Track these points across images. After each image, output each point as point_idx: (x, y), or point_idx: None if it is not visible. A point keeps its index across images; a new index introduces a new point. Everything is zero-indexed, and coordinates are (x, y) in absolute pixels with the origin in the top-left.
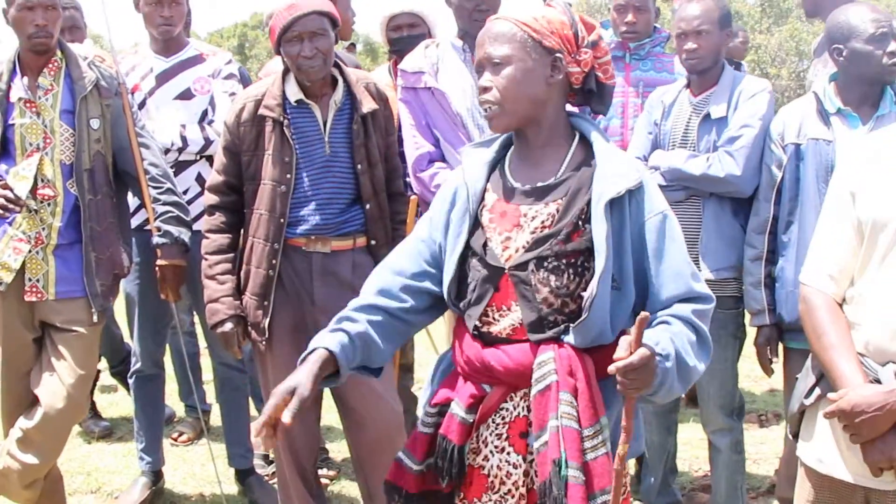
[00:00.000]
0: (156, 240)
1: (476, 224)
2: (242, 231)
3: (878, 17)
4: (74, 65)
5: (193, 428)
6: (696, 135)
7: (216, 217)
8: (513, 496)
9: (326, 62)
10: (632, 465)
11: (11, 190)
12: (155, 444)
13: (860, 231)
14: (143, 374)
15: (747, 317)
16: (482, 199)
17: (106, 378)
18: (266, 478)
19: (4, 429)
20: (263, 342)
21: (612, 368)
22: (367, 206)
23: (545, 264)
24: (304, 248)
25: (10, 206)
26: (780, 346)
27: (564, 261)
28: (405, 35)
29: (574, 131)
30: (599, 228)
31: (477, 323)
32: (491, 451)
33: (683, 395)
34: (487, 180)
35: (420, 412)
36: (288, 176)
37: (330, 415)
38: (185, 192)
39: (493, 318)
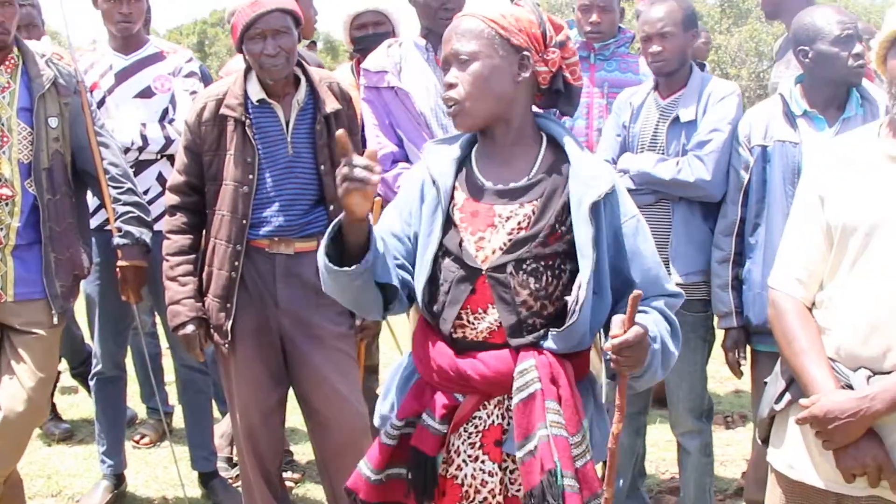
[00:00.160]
0: (116, 240)
1: (448, 223)
2: (204, 232)
3: (843, 18)
4: (32, 62)
5: (155, 430)
6: (665, 138)
7: (177, 218)
8: None
9: (289, 61)
10: (598, 468)
11: None
12: (117, 447)
13: (829, 235)
14: (104, 375)
15: (716, 319)
16: (452, 197)
17: (66, 379)
18: (230, 481)
19: None
20: (226, 345)
21: (608, 345)
22: (332, 208)
23: (524, 266)
24: (267, 250)
25: None
26: (748, 349)
27: (543, 263)
28: (370, 33)
29: (540, 132)
30: (584, 233)
31: (451, 328)
32: (464, 461)
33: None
34: (455, 178)
35: (377, 420)
36: (250, 176)
37: (294, 416)
38: (145, 192)
39: (468, 322)
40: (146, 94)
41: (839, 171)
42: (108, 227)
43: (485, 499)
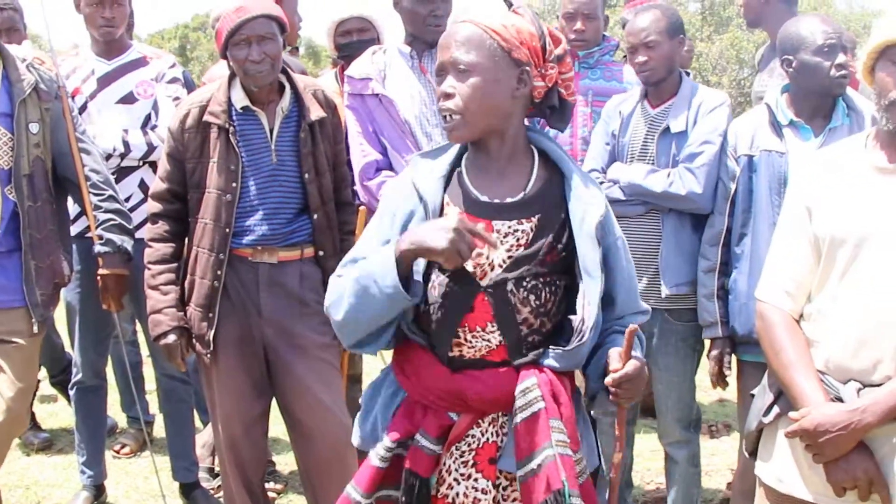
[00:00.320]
0: (97, 248)
1: None
2: (187, 240)
3: (827, 28)
4: (12, 67)
5: (136, 440)
6: (656, 149)
7: (160, 226)
8: None
9: (274, 67)
10: None
11: None
12: (97, 457)
13: (817, 247)
14: (84, 385)
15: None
16: (440, 213)
17: (45, 388)
18: (211, 491)
19: None
20: (208, 355)
21: (608, 380)
22: (315, 216)
23: (524, 283)
24: (250, 259)
25: None
26: (734, 359)
27: (541, 280)
28: (354, 40)
29: (531, 146)
30: (590, 253)
31: (447, 347)
32: (456, 479)
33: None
34: (444, 193)
35: (356, 440)
36: (233, 184)
37: (276, 426)
38: (127, 200)
39: (466, 340)
40: (129, 99)
41: (826, 182)
42: (89, 235)
43: None
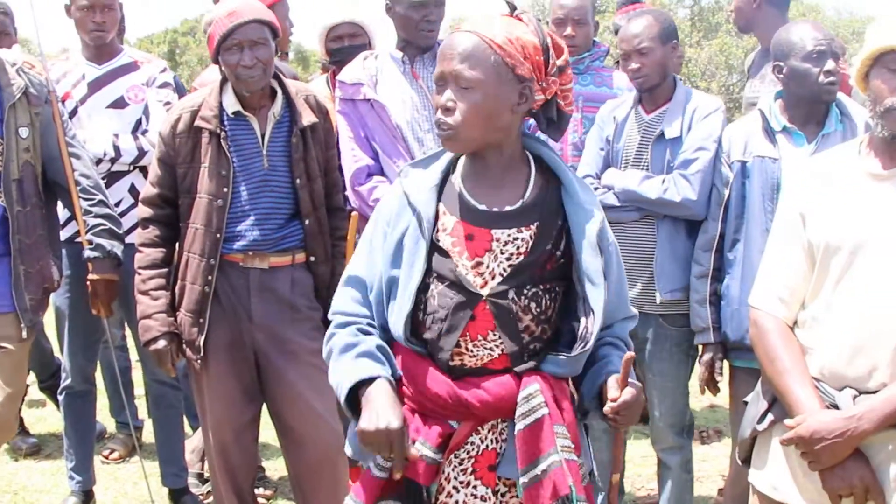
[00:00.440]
0: (87, 253)
1: (432, 250)
2: (177, 245)
3: (818, 35)
4: (2, 71)
5: (125, 445)
6: (650, 155)
7: (150, 230)
8: None
9: (266, 72)
10: None
11: None
12: (86, 463)
13: (811, 254)
14: (73, 390)
15: None
16: (435, 223)
17: (34, 392)
18: (201, 497)
19: None
20: (199, 360)
21: (607, 409)
22: (307, 222)
23: (525, 291)
24: (241, 264)
25: None
26: (725, 364)
27: (541, 287)
28: (346, 45)
29: (526, 152)
30: (592, 262)
31: (448, 356)
32: (455, 487)
33: None
34: (437, 203)
35: (349, 450)
36: (225, 190)
37: (266, 431)
38: (117, 204)
39: (467, 349)
40: (119, 104)
41: (820, 188)
42: (79, 240)
43: None
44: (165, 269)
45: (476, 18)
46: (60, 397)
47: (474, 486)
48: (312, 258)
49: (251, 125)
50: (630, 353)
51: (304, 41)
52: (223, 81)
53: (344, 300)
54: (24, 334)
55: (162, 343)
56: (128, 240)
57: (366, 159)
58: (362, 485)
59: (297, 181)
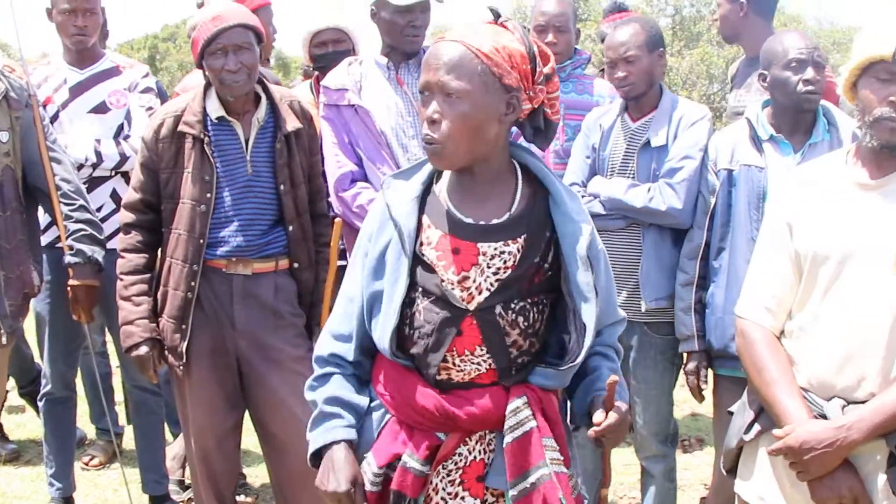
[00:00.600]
0: (67, 259)
1: (416, 263)
2: (160, 251)
3: (799, 44)
4: None
5: (105, 451)
6: (636, 163)
7: (132, 236)
8: None
9: (251, 77)
10: None
11: None
12: (66, 470)
13: (798, 263)
14: (53, 396)
15: None
16: (417, 236)
17: (14, 398)
18: None
19: None
20: (181, 367)
21: (591, 432)
22: (290, 228)
23: (512, 306)
24: (224, 270)
25: None
26: (710, 373)
27: (529, 300)
28: (330, 51)
29: (513, 161)
30: (583, 277)
31: (434, 371)
32: (443, 498)
33: None
34: (419, 216)
35: None
36: (208, 195)
37: (248, 438)
38: (98, 210)
39: (454, 364)
40: (101, 109)
41: (807, 198)
42: (60, 245)
43: None
44: (148, 275)
45: (461, 27)
46: (40, 403)
47: (462, 498)
48: (296, 264)
49: (235, 130)
50: (614, 377)
51: (285, 47)
52: (207, 86)
53: (324, 341)
54: (4, 340)
55: (144, 349)
56: (109, 245)
57: (350, 165)
58: None
59: (281, 187)
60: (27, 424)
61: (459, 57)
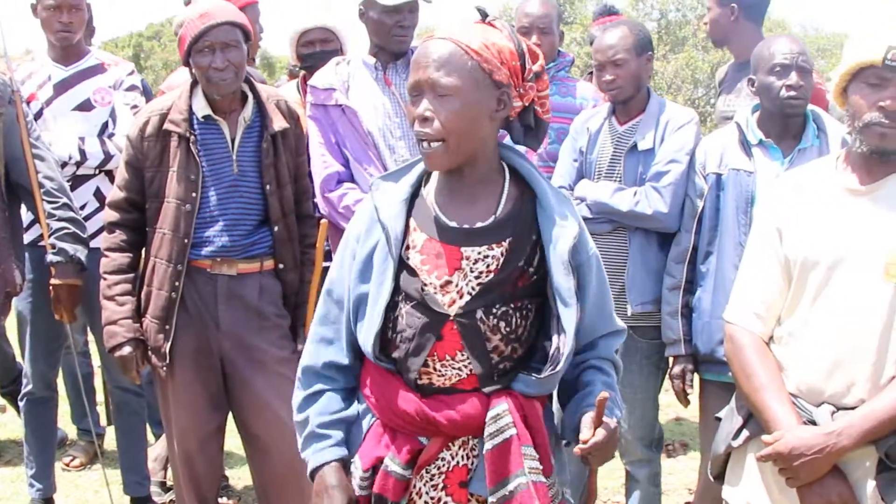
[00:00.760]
0: (50, 258)
1: (401, 267)
2: (144, 250)
3: (785, 49)
4: None
5: (86, 452)
6: (623, 167)
7: (116, 235)
8: None
9: (238, 75)
10: None
11: None
12: (46, 471)
13: (787, 269)
14: (34, 396)
15: None
16: (404, 239)
17: None
18: None
19: None
20: (164, 368)
21: (577, 450)
22: (276, 228)
23: (494, 311)
24: (208, 271)
25: None
26: (695, 377)
27: (512, 305)
28: (317, 51)
29: (502, 163)
30: (564, 281)
31: (415, 375)
32: (426, 503)
33: None
34: (407, 218)
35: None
36: (193, 194)
37: (230, 440)
38: (82, 208)
39: (435, 369)
40: (85, 106)
41: (797, 203)
42: (42, 243)
43: None
44: (131, 275)
45: (450, 26)
46: (21, 403)
47: (445, 502)
48: (281, 265)
49: (221, 129)
50: (604, 394)
51: (270, 47)
52: (193, 84)
53: (314, 350)
54: None
55: (127, 349)
56: (93, 244)
57: (336, 166)
58: None
59: (267, 187)
60: (8, 424)
61: (449, 54)
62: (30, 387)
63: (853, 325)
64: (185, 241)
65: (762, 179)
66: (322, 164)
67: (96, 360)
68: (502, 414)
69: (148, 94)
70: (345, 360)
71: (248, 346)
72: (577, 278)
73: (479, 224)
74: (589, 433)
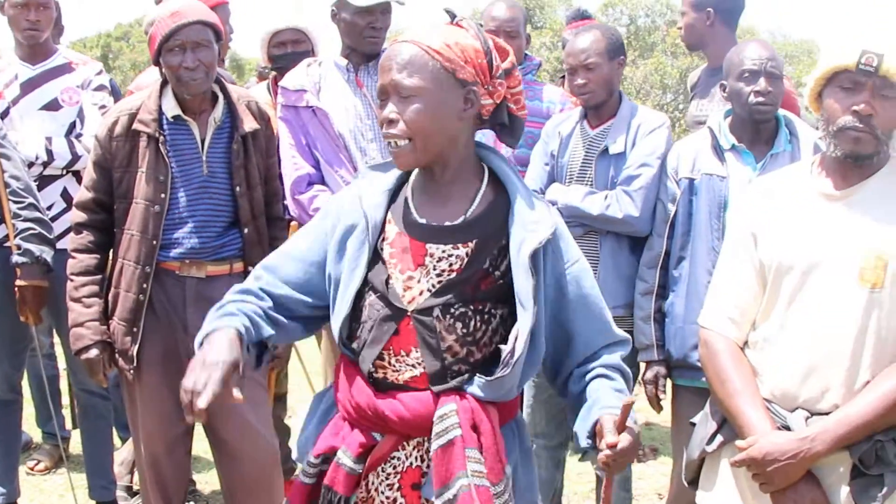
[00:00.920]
0: (15, 258)
1: (375, 257)
2: (111, 252)
3: (755, 54)
4: None
5: (51, 456)
6: (595, 170)
7: (84, 236)
8: None
9: (209, 75)
10: None
11: None
12: (10, 475)
13: (762, 274)
14: None
15: None
16: (382, 230)
17: None
18: None
19: None
20: (131, 371)
21: (602, 456)
22: (246, 230)
23: (451, 310)
24: (177, 273)
25: None
26: (668, 382)
27: (472, 307)
28: (289, 52)
29: (482, 164)
30: (523, 283)
31: (371, 367)
32: (381, 502)
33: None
34: (387, 210)
35: (294, 452)
36: (162, 195)
37: (197, 443)
38: (49, 209)
39: (390, 363)
40: (53, 106)
41: (772, 208)
42: (8, 244)
43: None
44: (99, 276)
45: (414, 28)
46: None
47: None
48: (251, 268)
49: (191, 130)
50: (630, 398)
51: (240, 49)
52: (163, 84)
53: (258, 275)
54: None
55: (94, 352)
56: (59, 245)
57: (307, 168)
58: (293, 489)
59: (237, 188)
60: None
61: (410, 56)
62: None
63: (828, 330)
64: (154, 242)
65: (735, 184)
66: (293, 165)
67: (62, 363)
68: (449, 414)
69: (116, 95)
70: (268, 302)
71: None
72: (557, 286)
73: (447, 223)
74: (614, 438)
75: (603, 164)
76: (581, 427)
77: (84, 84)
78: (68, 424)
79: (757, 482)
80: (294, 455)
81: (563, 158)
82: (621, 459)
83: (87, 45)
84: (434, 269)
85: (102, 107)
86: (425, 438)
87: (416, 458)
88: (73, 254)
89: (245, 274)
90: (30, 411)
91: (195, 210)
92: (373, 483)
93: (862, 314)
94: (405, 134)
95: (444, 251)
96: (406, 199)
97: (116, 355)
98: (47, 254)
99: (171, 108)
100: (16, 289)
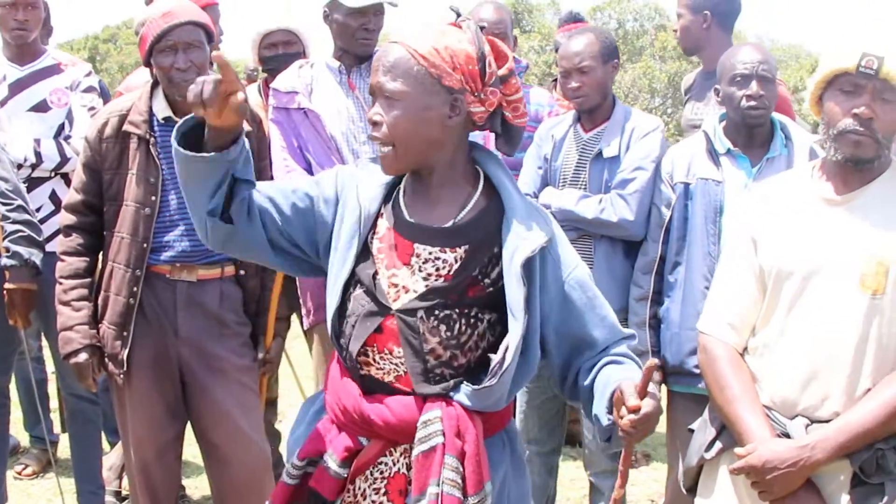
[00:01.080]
0: (3, 261)
1: (366, 252)
2: (101, 255)
3: (746, 58)
4: None
5: (39, 460)
6: (588, 174)
7: (73, 238)
8: None
9: (200, 76)
10: None
11: None
12: None
13: (762, 279)
14: None
15: None
16: (374, 223)
17: None
18: None
19: None
20: (121, 375)
21: (626, 422)
22: None
23: (436, 312)
24: (168, 276)
25: None
26: (663, 389)
27: (457, 311)
28: (280, 53)
29: (477, 168)
30: (515, 292)
31: (356, 364)
32: None
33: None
34: (382, 204)
35: (284, 453)
36: (153, 198)
37: (188, 448)
38: (37, 211)
39: (374, 360)
40: (41, 107)
41: (772, 213)
42: None
43: None
44: (88, 279)
45: (408, 29)
46: None
47: None
48: (242, 271)
49: None
50: (653, 361)
51: (229, 50)
52: (154, 85)
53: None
54: None
55: (83, 356)
56: (48, 248)
57: (298, 170)
58: (276, 490)
59: None
60: None
61: (396, 59)
62: None
63: (828, 337)
64: (144, 245)
65: (730, 189)
66: (284, 167)
67: (50, 366)
68: (433, 420)
69: (105, 96)
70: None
71: (208, 354)
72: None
73: (436, 225)
74: (636, 401)
75: (597, 168)
76: (599, 406)
77: (73, 85)
78: (56, 429)
79: (756, 490)
80: (285, 456)
81: (556, 162)
82: (643, 426)
83: (74, 48)
84: (420, 271)
85: (91, 108)
86: (412, 445)
87: (403, 464)
88: (62, 257)
89: (236, 277)
90: (18, 415)
91: (186, 213)
92: (360, 488)
93: (863, 321)
94: (386, 139)
95: (430, 252)
96: (400, 197)
97: (106, 359)
98: (36, 256)
99: (161, 110)
100: (4, 292)
